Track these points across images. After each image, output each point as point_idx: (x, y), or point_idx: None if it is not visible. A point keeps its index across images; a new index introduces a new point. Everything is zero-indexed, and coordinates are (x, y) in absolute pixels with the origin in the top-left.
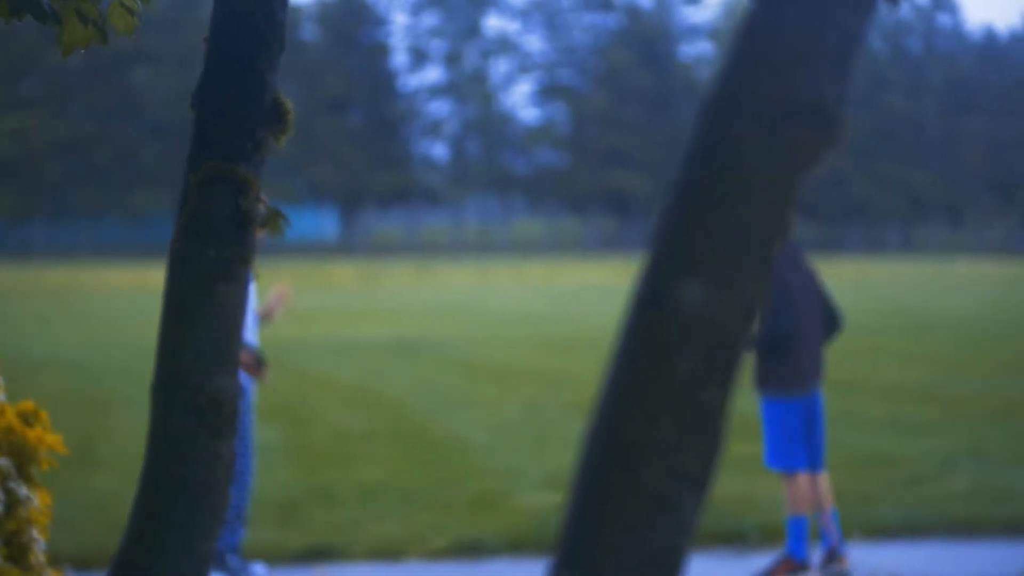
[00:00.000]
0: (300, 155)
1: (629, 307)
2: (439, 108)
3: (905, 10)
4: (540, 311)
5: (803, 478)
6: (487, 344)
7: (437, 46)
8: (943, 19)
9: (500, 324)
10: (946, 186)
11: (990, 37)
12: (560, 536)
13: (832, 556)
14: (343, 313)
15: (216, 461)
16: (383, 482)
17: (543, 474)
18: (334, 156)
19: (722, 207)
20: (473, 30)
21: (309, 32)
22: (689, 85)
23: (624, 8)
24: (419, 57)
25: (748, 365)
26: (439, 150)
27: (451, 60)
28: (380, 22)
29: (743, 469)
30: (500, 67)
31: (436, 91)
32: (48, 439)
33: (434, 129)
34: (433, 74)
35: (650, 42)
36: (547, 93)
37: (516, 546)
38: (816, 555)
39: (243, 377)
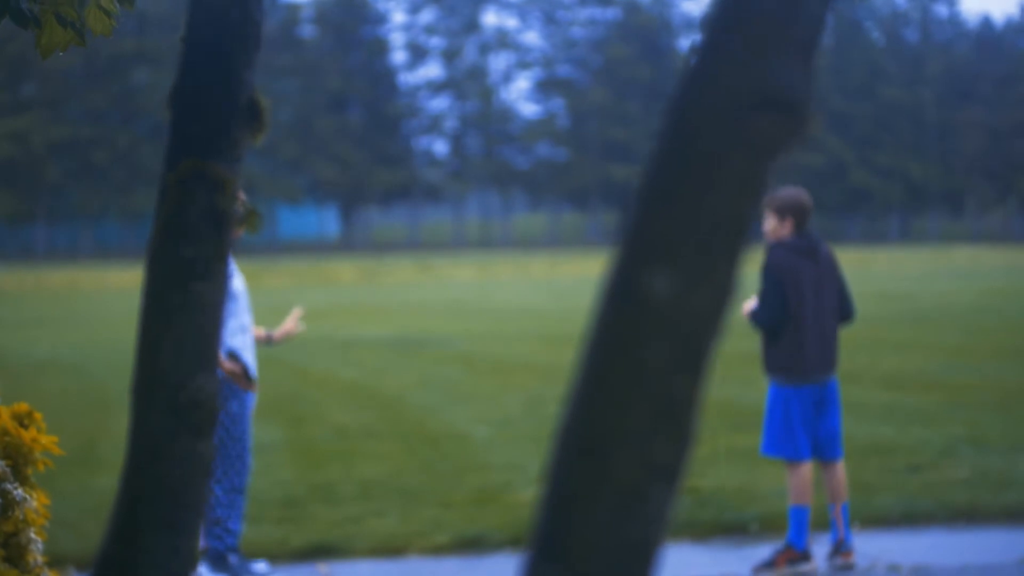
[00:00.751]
0: (301, 153)
1: (599, 298)
2: (439, 104)
3: (902, 0)
4: (541, 306)
5: (803, 467)
6: (488, 339)
7: (436, 42)
8: (939, 9)
9: (501, 319)
10: (945, 175)
11: (987, 26)
12: (534, 529)
13: (837, 549)
14: (344, 310)
15: (197, 459)
16: (384, 479)
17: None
18: (335, 154)
19: (690, 198)
20: (471, 26)
21: (308, 30)
22: None
23: (622, 2)
24: (418, 54)
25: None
26: (439, 146)
27: (450, 56)
28: (379, 19)
29: (744, 460)
30: (499, 62)
31: (436, 87)
32: (43, 440)
33: (434, 125)
34: (432, 70)
35: (649, 35)
36: (546, 88)
37: (518, 541)
38: (825, 545)
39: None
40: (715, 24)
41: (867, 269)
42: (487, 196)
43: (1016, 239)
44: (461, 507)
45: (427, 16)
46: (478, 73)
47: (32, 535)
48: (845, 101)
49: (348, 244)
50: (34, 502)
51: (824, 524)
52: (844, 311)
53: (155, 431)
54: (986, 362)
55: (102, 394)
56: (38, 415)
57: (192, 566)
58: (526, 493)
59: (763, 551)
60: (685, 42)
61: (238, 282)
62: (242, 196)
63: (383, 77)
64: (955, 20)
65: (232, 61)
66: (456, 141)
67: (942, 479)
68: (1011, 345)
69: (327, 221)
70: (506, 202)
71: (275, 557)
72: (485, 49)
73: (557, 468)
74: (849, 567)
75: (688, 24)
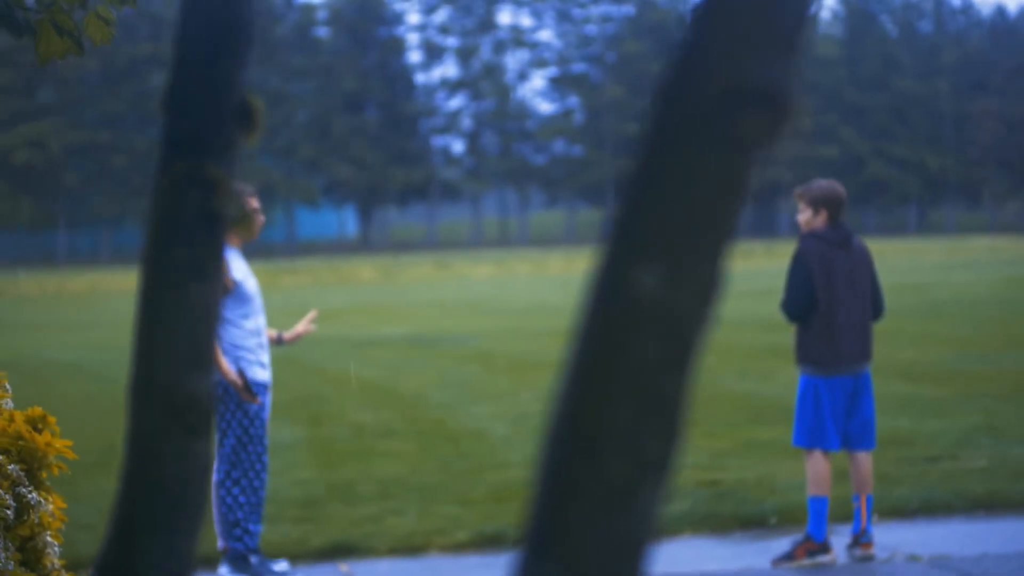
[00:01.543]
0: (318, 154)
1: (585, 294)
2: (455, 103)
3: None
4: (559, 302)
5: (821, 458)
6: (506, 337)
7: (451, 41)
8: None
9: (519, 317)
10: (961, 166)
11: (1000, 15)
12: (525, 526)
13: (857, 540)
14: (363, 310)
15: (193, 459)
16: (403, 477)
17: None
18: (352, 154)
19: (675, 193)
20: (486, 24)
21: (324, 31)
22: None
23: None
24: (433, 53)
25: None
26: (456, 145)
27: (465, 55)
28: (394, 19)
29: (763, 453)
30: (514, 60)
31: (451, 86)
32: (57, 444)
33: (450, 124)
34: (448, 69)
35: (663, 30)
36: (562, 85)
37: None
38: (846, 537)
39: (259, 381)
40: (698, 18)
41: (884, 261)
42: (504, 194)
43: None
44: (480, 504)
45: (442, 15)
46: (493, 71)
47: (48, 539)
48: (860, 93)
49: (366, 244)
50: (50, 506)
51: (845, 516)
52: (875, 306)
53: (151, 432)
54: (1003, 353)
55: (123, 397)
56: (52, 419)
57: (190, 567)
58: None
59: (782, 544)
60: None
61: (252, 284)
62: (253, 202)
63: (399, 77)
64: (968, 10)
65: (223, 62)
66: (472, 139)
67: (960, 469)
68: None
69: (345, 221)
70: (523, 199)
71: (295, 557)
72: (500, 47)
73: (546, 464)
74: (869, 558)
75: None
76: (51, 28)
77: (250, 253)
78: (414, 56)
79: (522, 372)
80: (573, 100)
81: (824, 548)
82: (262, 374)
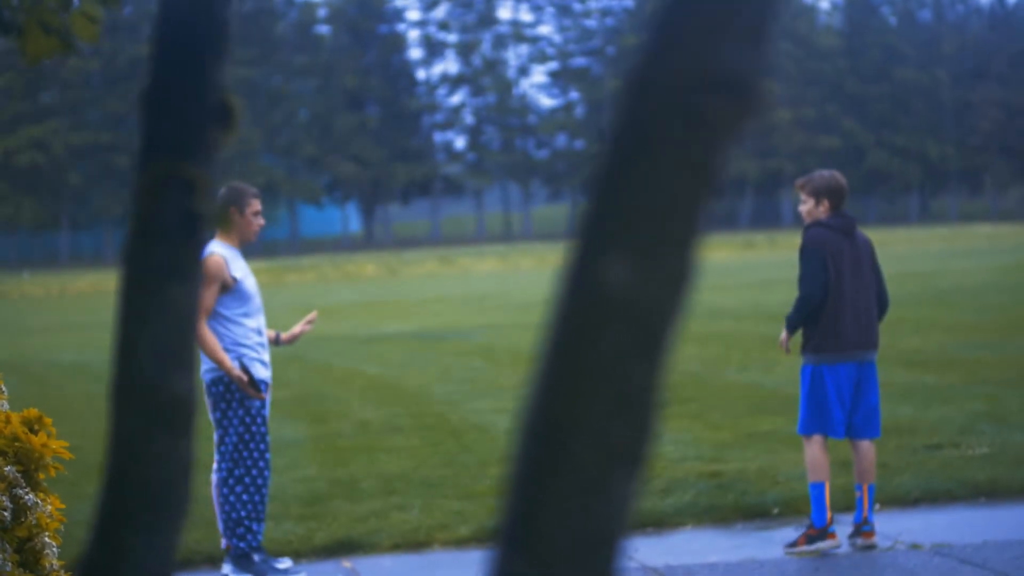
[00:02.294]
0: (320, 152)
1: (556, 285)
2: (456, 99)
3: None
4: None
5: (818, 443)
6: (510, 331)
7: (451, 37)
8: None
9: (523, 311)
10: (963, 154)
11: (999, 3)
12: (500, 517)
13: (857, 530)
14: (367, 307)
15: (175, 459)
16: (407, 472)
17: None
18: (354, 151)
19: (643, 183)
20: (486, 20)
21: (324, 29)
22: None
23: None
24: (434, 49)
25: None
26: (458, 141)
27: (466, 50)
28: (394, 16)
29: (765, 444)
30: (515, 55)
31: (453, 82)
32: (53, 445)
33: (452, 120)
34: (449, 65)
35: None
36: (563, 79)
37: None
38: (850, 526)
39: (260, 379)
40: (666, 6)
41: (887, 250)
42: (507, 188)
43: None
44: (484, 499)
45: (442, 11)
46: (494, 66)
47: (47, 539)
48: (861, 84)
49: (370, 240)
50: (48, 507)
51: (848, 505)
52: (880, 300)
53: (132, 432)
54: (1005, 340)
55: None
56: (48, 420)
57: (172, 567)
58: None
59: (784, 534)
60: None
61: (251, 282)
62: (256, 204)
63: (400, 73)
64: None
65: (200, 61)
66: (474, 135)
67: (962, 457)
68: None
69: (348, 218)
70: (526, 194)
71: (299, 554)
72: (501, 42)
73: (519, 457)
74: (871, 547)
75: None
76: (38, 27)
77: (254, 252)
78: (415, 52)
79: (526, 366)
80: (574, 94)
81: (824, 534)
82: (263, 372)
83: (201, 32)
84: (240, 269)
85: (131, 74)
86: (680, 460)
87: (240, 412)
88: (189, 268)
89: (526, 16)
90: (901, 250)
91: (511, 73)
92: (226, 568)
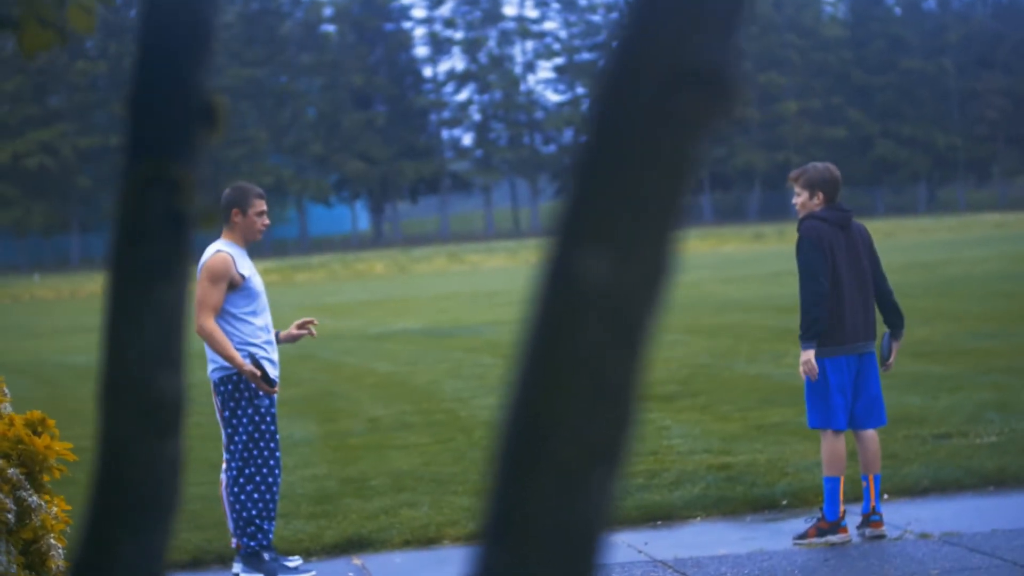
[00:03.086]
0: (328, 150)
1: (535, 279)
2: (463, 96)
3: None
4: None
5: (836, 438)
6: (519, 327)
7: (458, 34)
8: None
9: None
10: (969, 143)
11: None
12: (482, 513)
13: (865, 520)
14: (377, 304)
15: (164, 459)
16: (417, 469)
17: None
18: (361, 149)
19: (619, 177)
20: (492, 16)
21: (330, 28)
22: None
23: None
24: (440, 46)
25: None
26: (465, 137)
27: (472, 47)
28: (400, 14)
29: (774, 435)
30: (521, 51)
31: (459, 79)
32: (57, 447)
33: (459, 117)
34: (455, 62)
35: None
36: (569, 74)
37: None
38: (859, 517)
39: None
40: (639, 0)
41: (895, 240)
42: (515, 184)
43: None
44: None
45: (447, 8)
46: (501, 63)
47: (52, 541)
48: (866, 74)
49: (379, 238)
50: (53, 508)
51: (856, 495)
52: (881, 290)
53: (121, 433)
54: (1013, 329)
55: None
56: (51, 422)
57: (163, 567)
58: None
59: (794, 526)
60: None
61: (257, 280)
62: (261, 204)
63: (406, 71)
64: None
65: (185, 62)
66: (481, 131)
67: (970, 446)
68: None
69: (357, 216)
70: (534, 189)
71: (309, 552)
72: (507, 38)
73: (500, 452)
74: (879, 537)
75: None
76: (35, 21)
77: (264, 251)
78: (421, 50)
79: None
80: (581, 89)
81: (835, 527)
82: (271, 370)
83: (185, 32)
84: (247, 267)
85: None
86: (689, 452)
87: (250, 411)
88: (176, 268)
89: (531, 12)
90: (909, 240)
91: (517, 69)
92: (237, 567)
